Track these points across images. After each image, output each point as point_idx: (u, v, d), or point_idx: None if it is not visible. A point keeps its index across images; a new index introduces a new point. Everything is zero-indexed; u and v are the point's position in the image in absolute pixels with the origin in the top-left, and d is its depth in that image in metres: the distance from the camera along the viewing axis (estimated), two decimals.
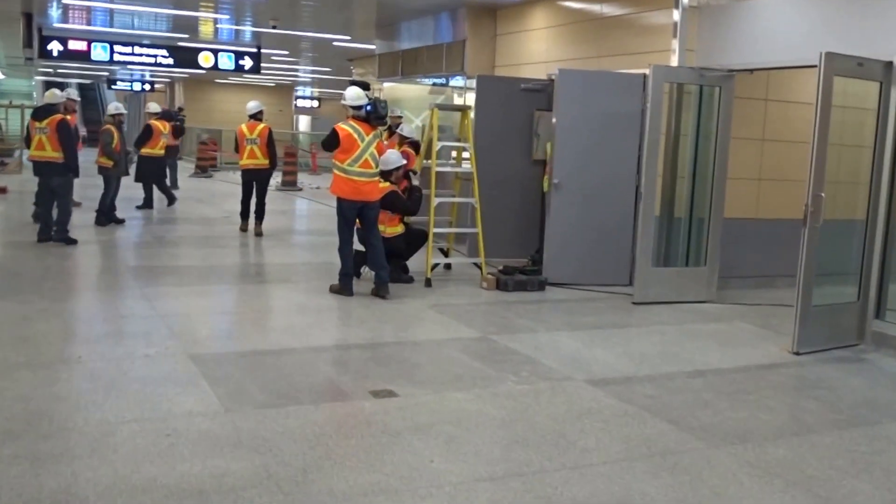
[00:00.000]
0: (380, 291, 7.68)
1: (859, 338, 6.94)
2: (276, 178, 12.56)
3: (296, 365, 5.53)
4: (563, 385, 5.37)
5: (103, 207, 11.73)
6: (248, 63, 16.94)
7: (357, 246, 7.86)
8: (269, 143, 11.59)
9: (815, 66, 6.90)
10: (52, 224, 9.91)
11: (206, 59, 16.61)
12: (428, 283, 8.30)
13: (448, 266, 9.23)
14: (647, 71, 8.51)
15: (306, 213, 15.75)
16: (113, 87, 32.70)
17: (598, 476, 3.96)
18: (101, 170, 11.83)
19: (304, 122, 38.30)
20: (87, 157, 12.62)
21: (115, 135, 11.74)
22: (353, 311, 7.30)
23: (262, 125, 11.61)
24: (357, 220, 7.76)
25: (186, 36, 17.56)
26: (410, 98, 15.60)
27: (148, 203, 13.81)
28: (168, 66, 17.06)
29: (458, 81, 13.22)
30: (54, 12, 15.20)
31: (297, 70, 27.02)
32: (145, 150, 13.74)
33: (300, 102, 36.10)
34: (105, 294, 7.67)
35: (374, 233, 7.79)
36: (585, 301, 8.16)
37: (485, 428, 4.50)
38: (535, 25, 10.76)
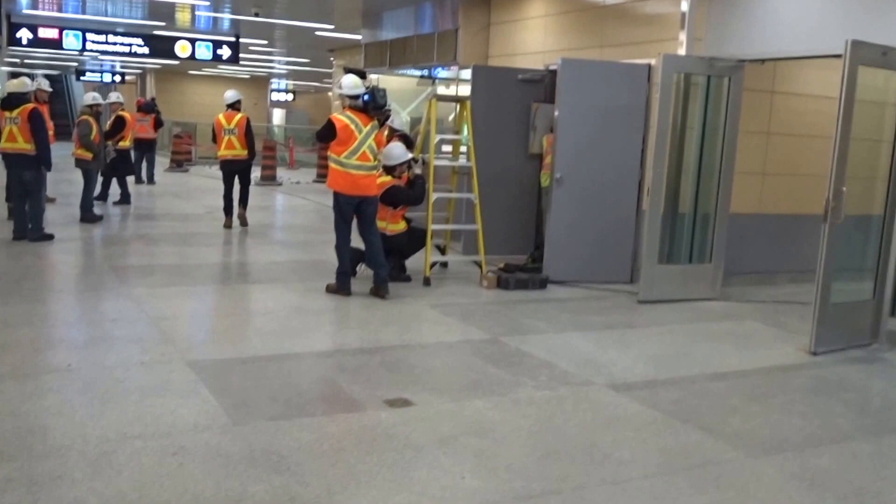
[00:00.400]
0: (379, 291, 7.36)
1: (873, 337, 6.76)
2: (254, 173, 12.16)
3: (302, 372, 5.21)
4: (585, 390, 5.11)
5: (87, 204, 11.21)
6: (226, 53, 16.45)
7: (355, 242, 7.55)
8: (248, 134, 11.27)
9: (830, 56, 6.74)
10: (26, 221, 9.46)
11: (182, 49, 16.10)
12: (427, 281, 8.00)
13: (445, 264, 8.93)
14: (652, 61, 8.28)
15: (288, 209, 15.35)
16: (82, 78, 31.79)
17: (641, 492, 3.71)
18: (80, 163, 11.32)
19: (278, 116, 37.81)
20: (59, 152, 12.05)
21: (94, 126, 11.27)
22: (353, 311, 6.98)
23: (239, 115, 11.26)
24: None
25: (163, 24, 17.03)
26: (395, 90, 15.22)
27: (125, 199, 13.36)
28: (143, 55, 16.47)
29: (445, 73, 12.90)
30: None
31: (273, 61, 26.52)
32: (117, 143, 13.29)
33: (275, 96, 35.56)
34: (90, 295, 7.27)
35: (372, 230, 7.46)
36: (589, 300, 7.91)
37: (513, 439, 4.22)
38: (531, 14, 10.45)
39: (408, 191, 7.93)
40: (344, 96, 7.34)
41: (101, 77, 31.42)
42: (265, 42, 20.43)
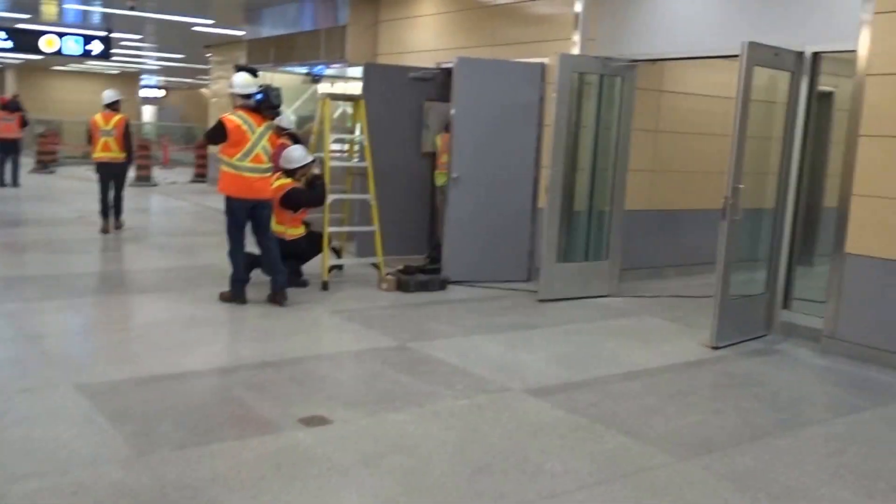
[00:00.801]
0: (277, 298, 7.04)
1: (767, 328, 6.96)
2: (129, 173, 11.51)
3: (205, 391, 4.88)
4: (504, 397, 4.99)
5: None
6: (96, 48, 15.49)
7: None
8: (126, 135, 10.78)
9: (727, 57, 6.90)
10: None
11: (49, 43, 15.03)
12: (324, 286, 7.73)
13: (341, 267, 8.66)
14: (546, 60, 8.28)
15: (168, 211, 14.64)
16: None
17: None
18: None
19: (148, 113, 36.31)
20: None
21: None
22: (251, 321, 6.64)
23: (118, 116, 10.71)
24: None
25: (28, 16, 15.88)
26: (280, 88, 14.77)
27: None
28: (5, 49, 15.31)
29: (330, 70, 12.60)
30: None
31: (144, 57, 25.36)
32: None
33: (145, 92, 34.11)
34: None
35: (268, 234, 7.13)
36: (490, 300, 7.83)
37: (440, 455, 4.05)
38: (421, 12, 10.29)
39: (309, 192, 7.63)
40: (235, 95, 6.97)
41: None
42: (139, 37, 19.47)
